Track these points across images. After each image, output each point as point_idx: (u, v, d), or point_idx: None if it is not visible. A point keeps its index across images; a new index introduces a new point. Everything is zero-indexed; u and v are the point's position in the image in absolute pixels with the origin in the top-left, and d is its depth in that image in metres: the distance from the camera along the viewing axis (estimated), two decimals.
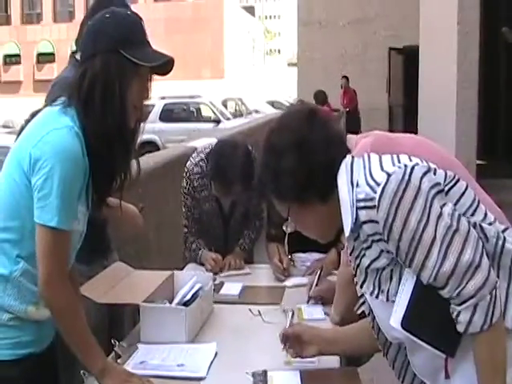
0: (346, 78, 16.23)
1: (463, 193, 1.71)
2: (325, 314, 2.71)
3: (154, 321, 2.42)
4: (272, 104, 31.99)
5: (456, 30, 6.69)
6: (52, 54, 62.59)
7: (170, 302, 2.58)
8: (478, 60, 6.57)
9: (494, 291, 1.55)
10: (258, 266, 3.55)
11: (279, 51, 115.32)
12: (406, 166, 1.65)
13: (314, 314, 2.73)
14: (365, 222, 1.66)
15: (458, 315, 1.56)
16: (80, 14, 68.16)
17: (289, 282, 3.20)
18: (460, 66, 6.69)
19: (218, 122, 19.47)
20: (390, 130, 16.80)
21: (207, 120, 20.08)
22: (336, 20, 17.34)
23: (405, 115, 16.03)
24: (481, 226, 1.64)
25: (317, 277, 2.92)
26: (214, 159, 3.41)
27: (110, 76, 1.99)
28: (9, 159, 2.03)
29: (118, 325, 2.97)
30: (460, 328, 1.56)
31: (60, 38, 69.78)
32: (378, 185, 1.63)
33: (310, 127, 1.82)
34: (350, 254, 1.82)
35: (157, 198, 4.67)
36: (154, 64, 2.05)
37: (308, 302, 2.86)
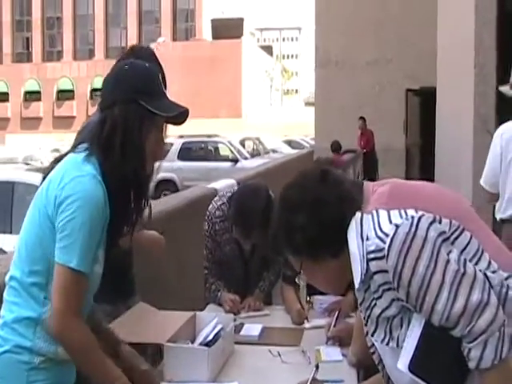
0: (363, 119, 16.35)
1: (468, 242, 1.81)
2: (343, 355, 2.77)
3: (177, 360, 2.50)
4: (289, 143, 32.17)
5: (473, 72, 6.79)
6: (71, 91, 63.47)
7: (192, 342, 2.66)
8: (495, 102, 6.62)
9: (503, 328, 1.64)
10: (277, 308, 3.61)
11: (296, 91, 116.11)
12: (412, 217, 1.76)
13: (332, 355, 2.79)
14: (375, 273, 1.76)
15: (469, 352, 1.64)
16: (100, 53, 69.09)
17: (307, 324, 3.26)
18: (477, 108, 6.77)
19: (235, 161, 19.61)
20: (407, 171, 16.90)
21: (225, 159, 20.24)
22: (353, 61, 17.54)
23: (422, 156, 16.13)
24: (485, 274, 1.72)
25: (335, 318, 2.99)
26: (235, 204, 3.51)
27: (128, 124, 2.09)
28: (33, 204, 2.11)
29: None
30: (472, 364, 1.63)
31: (80, 76, 70.51)
32: (387, 236, 1.73)
33: (323, 186, 1.93)
34: (360, 305, 1.91)
35: (177, 238, 4.75)
36: (171, 114, 2.16)
37: (326, 342, 2.92)
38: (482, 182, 4.54)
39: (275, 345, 2.93)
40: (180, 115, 2.20)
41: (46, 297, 2.06)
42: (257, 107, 64.84)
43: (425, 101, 15.07)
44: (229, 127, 43.15)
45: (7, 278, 2.14)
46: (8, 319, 2.09)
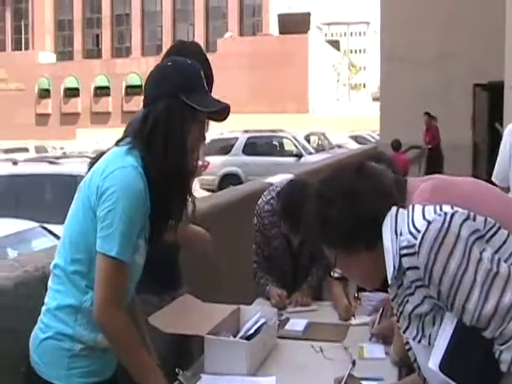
0: (429, 114, 16.09)
1: (505, 241, 1.75)
2: (386, 353, 2.75)
3: (217, 353, 2.52)
4: (355, 139, 31.93)
5: None
6: (140, 87, 64.44)
7: (235, 336, 2.67)
8: None
9: None
10: (325, 304, 3.59)
11: (364, 85, 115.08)
12: (445, 213, 1.72)
13: (375, 352, 2.77)
14: (408, 269, 1.73)
15: (500, 354, 1.60)
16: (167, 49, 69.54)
17: (354, 321, 3.24)
18: None
19: (300, 156, 19.62)
20: (474, 167, 16.56)
21: (290, 154, 20.25)
22: (418, 56, 17.26)
23: (489, 152, 15.78)
24: None
25: (379, 315, 2.96)
26: (283, 200, 3.52)
27: (171, 119, 2.14)
28: (77, 195, 2.18)
29: (188, 354, 3.07)
30: (503, 367, 1.59)
31: (148, 71, 71.02)
32: (419, 232, 1.70)
33: (359, 179, 1.90)
34: (393, 301, 1.88)
35: (232, 232, 4.78)
36: (212, 110, 2.19)
37: (370, 339, 2.90)
38: (493, 178, 4.68)
39: (319, 340, 2.92)
40: (221, 111, 2.23)
41: (88, 285, 2.12)
42: (324, 102, 64.58)
43: (493, 96, 14.74)
44: (295, 122, 43.13)
45: (52, 265, 2.21)
46: (51, 306, 2.16)
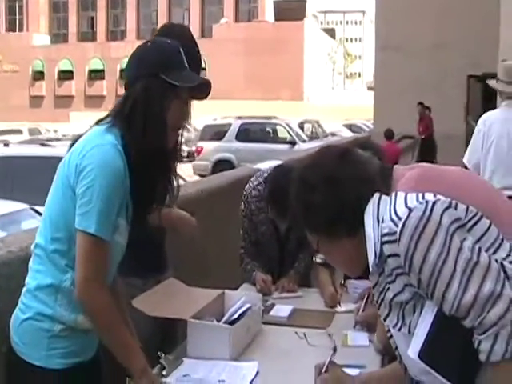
0: (422, 104, 16.10)
1: (487, 230, 1.74)
2: (369, 341, 2.75)
3: (199, 337, 2.51)
4: (349, 127, 31.96)
5: None
6: None
7: (219, 321, 2.66)
8: None
9: None
10: (311, 290, 3.59)
11: (359, 74, 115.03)
12: (427, 201, 1.70)
13: (359, 340, 2.77)
14: (389, 256, 1.72)
15: (479, 344, 1.59)
16: None
17: (340, 308, 3.24)
18: None
19: (293, 143, 19.61)
20: None
21: (283, 141, 20.25)
22: (413, 45, 17.23)
23: None
24: (502, 264, 1.66)
25: (364, 302, 2.96)
26: (270, 185, 3.51)
27: (150, 97, 2.13)
28: (57, 175, 2.16)
29: (172, 338, 3.06)
30: (482, 357, 1.59)
31: None
32: (400, 219, 1.68)
33: (341, 165, 1.89)
34: (374, 288, 1.88)
35: (220, 217, 4.77)
36: (191, 85, 2.17)
37: (354, 326, 2.90)
38: (465, 160, 5.22)
39: (303, 327, 2.92)
40: (201, 86, 2.22)
41: (68, 264, 2.11)
42: (319, 90, 64.49)
43: (486, 87, 14.71)
44: (290, 109, 43.06)
45: (33, 246, 2.20)
46: (31, 286, 2.15)
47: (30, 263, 2.19)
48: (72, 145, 2.18)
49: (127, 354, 2.13)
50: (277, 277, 3.60)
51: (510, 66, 5.25)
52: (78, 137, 2.20)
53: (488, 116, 5.25)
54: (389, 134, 13.80)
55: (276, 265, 3.74)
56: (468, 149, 5.23)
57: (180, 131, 2.24)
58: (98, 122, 2.22)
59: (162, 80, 2.14)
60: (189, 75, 2.22)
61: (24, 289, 2.18)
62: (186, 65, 2.24)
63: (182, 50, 2.24)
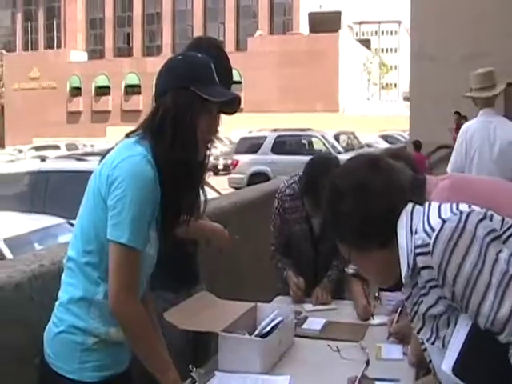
0: (458, 113, 15.91)
1: None
2: (403, 354, 2.70)
3: (231, 350, 2.50)
4: (385, 138, 31.77)
5: None
6: None
7: (251, 334, 2.64)
8: None
9: None
10: (346, 302, 3.55)
11: (395, 85, 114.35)
12: (461, 212, 1.67)
13: (393, 353, 2.73)
14: (422, 268, 1.69)
15: None
16: None
17: (373, 321, 3.20)
18: None
19: None
20: None
21: (318, 153, 20.17)
22: (448, 55, 17.07)
23: None
24: None
25: (398, 314, 2.92)
26: (307, 174, 3.52)
27: (179, 110, 2.13)
28: (88, 187, 2.17)
29: (204, 351, 3.05)
30: None
31: None
32: (434, 230, 1.65)
33: (372, 174, 1.85)
34: (407, 300, 1.84)
35: (253, 230, 4.76)
36: (221, 99, 2.18)
37: (388, 338, 2.87)
38: (449, 169, 5.38)
39: (336, 340, 2.88)
40: (231, 101, 2.22)
41: (100, 276, 2.11)
42: (354, 101, 64.29)
43: None
44: (325, 121, 42.98)
45: (65, 259, 2.21)
46: (64, 300, 2.16)
47: (63, 276, 2.21)
48: (103, 157, 2.19)
49: (159, 365, 2.14)
50: (310, 280, 3.58)
51: (480, 74, 5.52)
52: (110, 149, 2.21)
53: (469, 126, 5.48)
54: (417, 145, 13.71)
55: (310, 267, 3.72)
56: (451, 159, 5.45)
57: (208, 144, 2.24)
58: (129, 135, 2.23)
59: (193, 93, 2.14)
60: (219, 90, 2.22)
61: (57, 302, 2.19)
62: (217, 79, 2.24)
63: (212, 65, 2.24)
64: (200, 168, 2.26)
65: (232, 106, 2.28)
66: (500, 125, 5.37)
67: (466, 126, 5.54)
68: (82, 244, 2.14)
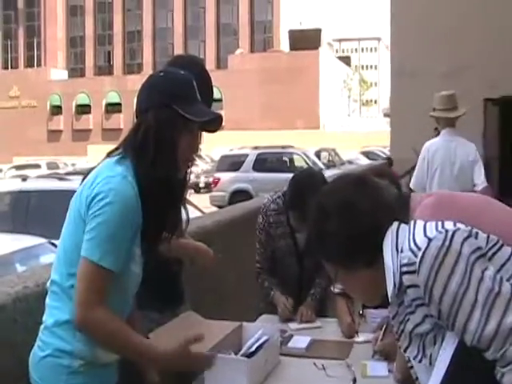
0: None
1: (508, 258, 1.71)
2: (389, 371, 2.71)
3: (217, 370, 2.48)
4: (366, 155, 31.93)
5: None
6: None
7: (236, 353, 2.64)
8: None
9: None
10: (330, 320, 3.55)
11: (375, 101, 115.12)
12: (447, 230, 1.68)
13: (378, 370, 2.73)
14: (408, 287, 1.70)
15: (502, 377, 1.56)
16: None
17: (358, 338, 3.20)
18: None
19: None
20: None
21: (301, 169, 20.19)
22: (428, 71, 17.20)
23: (501, 168, 15.64)
24: None
25: (382, 331, 2.92)
26: (292, 187, 3.52)
27: (161, 129, 2.13)
28: (70, 208, 2.16)
29: (190, 371, 3.03)
30: None
31: None
32: (420, 249, 1.66)
33: (358, 192, 1.86)
34: (393, 319, 1.85)
35: (236, 248, 4.76)
36: (203, 119, 2.18)
37: (373, 356, 2.87)
38: (411, 185, 5.75)
39: (322, 358, 2.88)
40: (212, 121, 2.22)
41: None
42: (335, 118, 64.59)
43: (504, 111, 14.60)
44: (306, 138, 43.12)
45: (48, 283, 2.19)
46: (49, 323, 2.13)
47: (47, 300, 2.18)
48: (84, 178, 2.18)
49: (141, 354, 2.12)
50: (295, 297, 3.58)
51: (444, 96, 5.98)
52: (91, 170, 2.20)
53: (431, 144, 5.87)
54: (389, 162, 13.87)
55: (294, 282, 3.72)
56: (413, 175, 5.81)
57: (190, 162, 2.24)
58: (109, 154, 2.22)
59: (174, 111, 2.14)
60: (201, 108, 2.22)
61: (42, 326, 2.16)
62: (199, 97, 2.25)
63: (194, 82, 2.25)
64: (181, 186, 2.26)
65: (214, 124, 2.29)
66: (460, 145, 5.77)
67: (428, 143, 5.89)
68: (66, 267, 2.12)
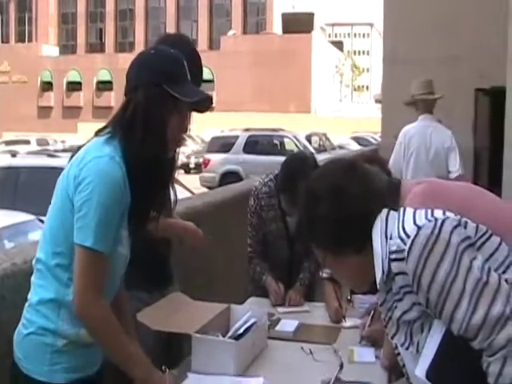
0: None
1: (496, 248, 1.72)
2: (376, 357, 2.71)
3: (204, 352, 2.49)
4: (357, 140, 31.96)
5: None
6: None
7: (224, 335, 2.64)
8: None
9: None
10: (318, 305, 3.56)
11: (367, 87, 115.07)
12: (436, 219, 1.68)
13: (365, 356, 2.74)
14: (397, 274, 1.70)
15: (488, 366, 1.56)
16: None
17: (346, 323, 3.21)
18: None
19: None
20: (475, 173, 16.50)
21: (290, 154, 20.19)
22: (420, 58, 17.17)
23: (491, 158, 15.66)
24: None
25: (370, 317, 2.93)
26: (284, 170, 3.52)
27: (150, 108, 2.10)
28: (56, 187, 2.14)
29: (176, 353, 3.04)
30: (490, 380, 1.56)
31: None
32: (409, 237, 1.66)
33: (349, 178, 1.85)
34: (381, 306, 1.85)
35: (226, 230, 4.75)
36: (193, 100, 2.16)
37: (360, 342, 2.87)
38: (390, 166, 5.78)
39: (309, 342, 2.89)
40: (202, 101, 2.21)
41: (70, 278, 2.08)
42: (326, 103, 64.49)
43: (494, 101, 14.62)
44: (297, 122, 43.03)
45: (34, 261, 2.18)
46: (33, 301, 2.13)
47: (32, 278, 2.17)
48: (72, 156, 2.16)
49: (129, 363, 2.11)
50: (285, 279, 3.59)
51: (423, 81, 6.08)
52: (79, 148, 2.18)
53: (408, 129, 5.99)
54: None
55: (285, 266, 3.72)
56: (390, 160, 5.85)
57: (179, 143, 2.23)
58: (98, 132, 2.20)
59: (164, 90, 2.12)
60: (191, 88, 2.20)
61: (26, 304, 2.16)
62: (189, 76, 2.23)
63: (184, 61, 2.23)
64: (170, 165, 2.24)
65: (204, 104, 2.27)
66: (436, 131, 5.89)
67: (405, 129, 6.01)
68: (51, 246, 2.11)
